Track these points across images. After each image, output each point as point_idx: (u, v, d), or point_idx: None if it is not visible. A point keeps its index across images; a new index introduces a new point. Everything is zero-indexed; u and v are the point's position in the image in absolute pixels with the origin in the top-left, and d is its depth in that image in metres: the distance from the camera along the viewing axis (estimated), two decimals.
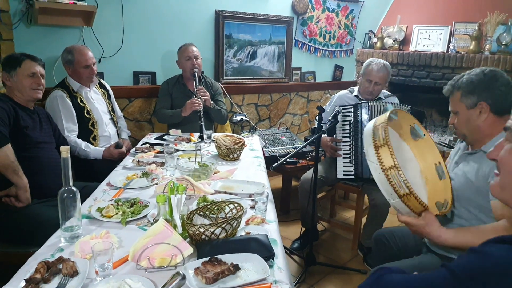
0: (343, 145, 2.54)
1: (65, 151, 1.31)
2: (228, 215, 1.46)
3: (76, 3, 2.63)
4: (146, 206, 1.61)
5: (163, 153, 2.19)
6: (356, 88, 2.83)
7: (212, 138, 2.54)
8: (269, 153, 3.23)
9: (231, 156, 2.28)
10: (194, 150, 2.15)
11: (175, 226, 1.32)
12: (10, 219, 1.84)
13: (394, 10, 4.41)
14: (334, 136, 2.58)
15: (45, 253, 1.27)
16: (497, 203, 1.34)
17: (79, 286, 1.09)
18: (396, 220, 1.45)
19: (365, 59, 3.22)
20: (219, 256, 1.19)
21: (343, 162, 2.53)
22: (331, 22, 4.29)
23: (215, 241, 1.28)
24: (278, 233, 1.45)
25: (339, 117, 2.39)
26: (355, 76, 4.60)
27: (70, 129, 2.44)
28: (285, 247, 2.49)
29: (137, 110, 3.27)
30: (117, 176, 1.98)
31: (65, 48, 2.53)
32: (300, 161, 3.23)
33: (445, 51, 3.87)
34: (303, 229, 2.76)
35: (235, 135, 2.51)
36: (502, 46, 3.48)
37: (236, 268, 1.15)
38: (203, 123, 2.75)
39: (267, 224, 1.50)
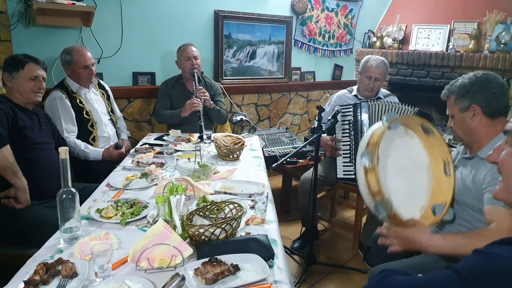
0: (343, 145, 2.54)
1: (63, 152, 1.30)
2: (228, 216, 1.45)
3: (74, 4, 2.63)
4: (146, 207, 1.61)
5: (163, 154, 2.19)
6: (355, 88, 2.83)
7: (212, 138, 2.54)
8: (269, 153, 3.23)
9: (231, 156, 2.28)
10: (194, 150, 2.15)
11: (174, 227, 1.32)
12: (9, 220, 1.83)
13: (394, 9, 4.40)
14: (334, 135, 2.58)
15: (44, 254, 1.26)
16: (488, 209, 1.33)
17: None
18: None
19: None
20: (219, 257, 1.19)
21: (343, 162, 2.53)
22: (330, 22, 4.28)
23: (215, 241, 1.28)
24: (278, 233, 1.45)
25: (339, 117, 2.39)
26: (355, 75, 4.59)
27: (69, 130, 2.43)
28: (285, 247, 2.49)
29: (136, 110, 3.27)
30: (116, 177, 1.97)
31: (63, 49, 2.53)
32: (300, 161, 3.23)
33: (444, 50, 3.87)
34: (303, 228, 2.75)
35: (235, 135, 2.50)
36: (501, 45, 3.47)
37: (236, 268, 1.15)
38: (202, 124, 2.75)
39: (267, 224, 1.50)
